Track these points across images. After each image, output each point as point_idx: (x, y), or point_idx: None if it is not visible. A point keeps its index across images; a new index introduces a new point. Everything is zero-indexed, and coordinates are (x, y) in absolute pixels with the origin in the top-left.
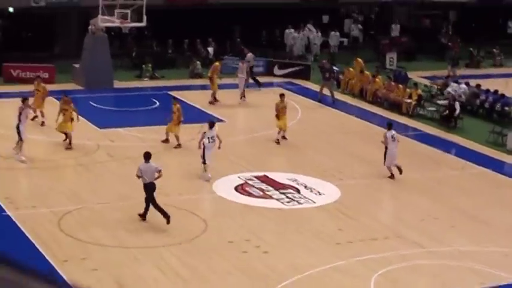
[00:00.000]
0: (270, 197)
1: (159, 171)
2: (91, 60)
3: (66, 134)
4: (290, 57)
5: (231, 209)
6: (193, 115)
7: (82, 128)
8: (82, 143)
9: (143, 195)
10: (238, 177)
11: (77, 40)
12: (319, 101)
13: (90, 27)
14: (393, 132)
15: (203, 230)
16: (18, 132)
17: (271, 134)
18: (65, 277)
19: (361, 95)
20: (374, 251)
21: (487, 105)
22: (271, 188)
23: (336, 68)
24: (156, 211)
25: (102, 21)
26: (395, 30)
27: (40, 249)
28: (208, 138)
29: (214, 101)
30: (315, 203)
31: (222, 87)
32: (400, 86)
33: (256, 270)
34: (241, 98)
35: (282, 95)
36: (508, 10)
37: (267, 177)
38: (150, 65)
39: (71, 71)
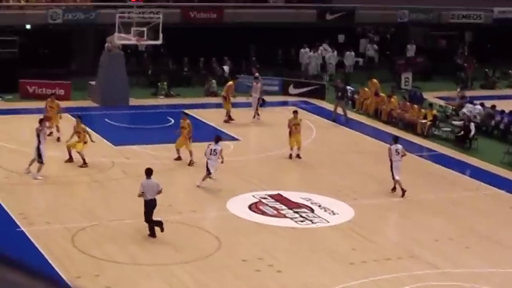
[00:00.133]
0: (284, 216)
1: (160, 190)
2: (107, 77)
3: (69, 153)
4: (305, 77)
5: (244, 227)
6: (208, 133)
7: (97, 145)
8: (97, 160)
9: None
10: (253, 195)
11: (93, 57)
12: (334, 121)
13: (106, 44)
14: (398, 146)
15: (216, 248)
16: (39, 155)
17: (286, 153)
18: None
19: (376, 115)
20: (387, 271)
21: (502, 126)
22: (285, 207)
23: (351, 88)
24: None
25: (119, 38)
26: (411, 50)
27: (53, 265)
28: (211, 150)
29: (229, 119)
30: (328, 222)
31: (236, 105)
32: (415, 106)
33: None
34: (254, 116)
35: (294, 112)
36: None
37: (281, 196)
38: (165, 82)
39: (87, 88)
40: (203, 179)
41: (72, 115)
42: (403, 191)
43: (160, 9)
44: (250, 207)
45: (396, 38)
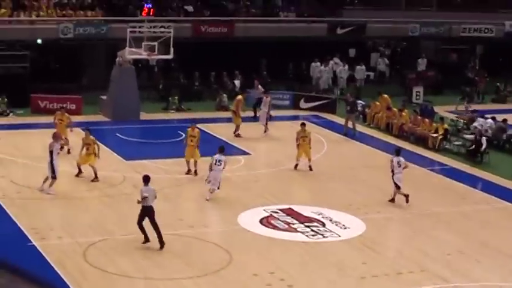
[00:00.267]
0: (295, 230)
1: (155, 196)
2: (118, 92)
3: (79, 168)
4: (316, 91)
5: (255, 241)
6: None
7: (108, 160)
8: (108, 175)
9: (168, 226)
10: (264, 209)
11: (104, 72)
12: (345, 135)
13: (117, 59)
14: (400, 158)
15: (228, 262)
16: (53, 170)
17: (297, 167)
18: None
19: (388, 129)
20: (399, 285)
21: None
22: (296, 221)
23: (362, 102)
24: (156, 235)
25: (130, 53)
26: (422, 64)
27: (65, 280)
28: (216, 160)
29: (236, 132)
30: (340, 236)
31: (247, 120)
32: (427, 120)
33: None
34: (265, 131)
35: (302, 124)
36: None
37: (292, 210)
38: (176, 97)
39: (98, 103)
40: (211, 192)
41: (82, 129)
42: (393, 199)
43: (172, 23)
44: (261, 221)
45: (407, 52)
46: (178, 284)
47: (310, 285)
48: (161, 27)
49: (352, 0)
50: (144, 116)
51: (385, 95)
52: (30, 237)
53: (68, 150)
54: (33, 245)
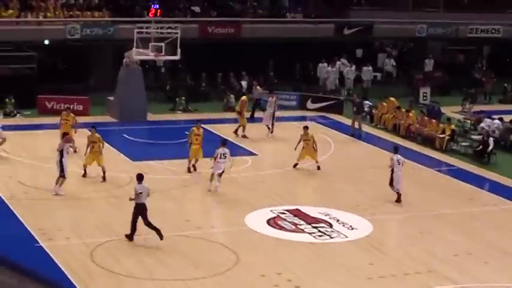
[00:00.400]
0: (302, 231)
1: (148, 194)
2: (125, 92)
3: (85, 170)
4: (323, 91)
5: (262, 242)
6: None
7: (115, 160)
8: (115, 175)
9: (175, 227)
10: (271, 210)
11: (111, 73)
12: (352, 135)
13: (124, 59)
14: (399, 156)
15: (235, 263)
16: (62, 169)
17: (303, 168)
18: None
19: (395, 129)
20: (406, 286)
21: None
22: (303, 222)
23: (369, 103)
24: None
25: (137, 54)
26: (429, 65)
27: (72, 280)
28: (220, 154)
29: (242, 133)
30: (347, 237)
31: (255, 120)
32: (434, 120)
33: None
34: (272, 131)
35: (305, 127)
36: None
37: (299, 211)
38: (183, 98)
39: (105, 104)
40: (215, 181)
41: (88, 129)
42: (399, 196)
43: (179, 24)
44: (268, 222)
45: (414, 53)
46: (185, 285)
47: (317, 286)
48: (168, 28)
49: (359, 1)
50: (151, 116)
51: (392, 98)
52: (37, 238)
53: (75, 149)
54: (40, 245)
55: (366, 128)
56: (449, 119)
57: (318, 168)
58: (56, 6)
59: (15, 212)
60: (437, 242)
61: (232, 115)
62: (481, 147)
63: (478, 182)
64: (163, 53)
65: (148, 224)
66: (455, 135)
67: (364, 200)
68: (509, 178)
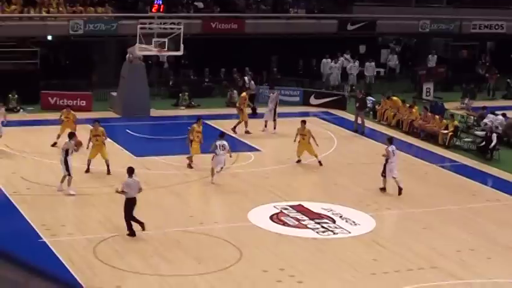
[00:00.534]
0: (305, 227)
1: (141, 189)
2: (128, 88)
3: (88, 164)
4: (326, 87)
5: (265, 238)
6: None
7: (118, 156)
8: (118, 171)
9: (178, 223)
10: (274, 206)
11: (114, 68)
12: (355, 131)
13: (127, 55)
14: (393, 147)
15: (238, 258)
16: (67, 168)
17: (307, 164)
18: None
19: (398, 125)
20: (409, 281)
21: None
22: (306, 218)
23: (372, 98)
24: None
25: (140, 49)
26: (432, 60)
27: (76, 276)
28: (219, 145)
29: (239, 130)
30: (350, 233)
31: (258, 116)
32: (437, 116)
33: None
34: (275, 127)
35: (302, 122)
36: None
37: (303, 206)
38: (186, 93)
39: (108, 99)
40: (213, 175)
41: (91, 124)
42: (400, 189)
43: (182, 20)
44: (271, 217)
45: (417, 48)
46: (188, 280)
47: (320, 282)
48: (171, 23)
49: None
50: (154, 112)
51: (395, 97)
52: (40, 234)
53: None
54: (44, 241)
55: (369, 124)
56: (452, 115)
57: (320, 164)
58: (59, 1)
59: (18, 208)
60: (440, 237)
61: (235, 111)
62: (484, 143)
63: (481, 177)
64: (166, 49)
65: (130, 219)
66: (459, 131)
67: (367, 196)
68: None
